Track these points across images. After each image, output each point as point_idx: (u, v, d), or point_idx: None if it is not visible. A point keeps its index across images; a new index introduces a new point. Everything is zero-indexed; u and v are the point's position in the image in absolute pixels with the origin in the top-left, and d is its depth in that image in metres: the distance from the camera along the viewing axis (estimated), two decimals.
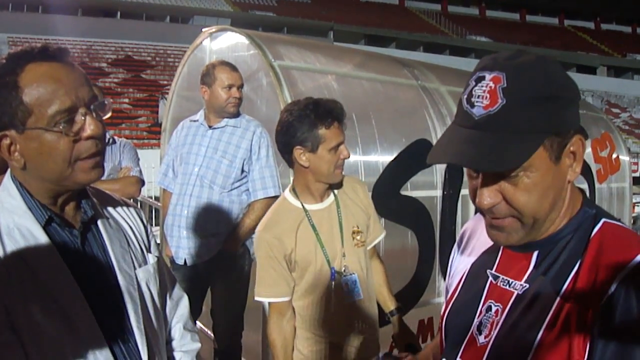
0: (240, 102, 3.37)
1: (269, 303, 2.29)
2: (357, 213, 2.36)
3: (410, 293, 3.61)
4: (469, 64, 34.54)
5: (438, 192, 3.75)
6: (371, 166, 3.41)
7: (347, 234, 2.30)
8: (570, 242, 1.07)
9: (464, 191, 3.90)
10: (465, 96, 1.01)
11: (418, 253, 3.63)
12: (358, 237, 2.32)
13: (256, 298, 2.30)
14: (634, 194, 6.61)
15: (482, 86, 0.99)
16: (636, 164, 22.45)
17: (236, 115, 3.39)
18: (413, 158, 3.58)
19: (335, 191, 2.35)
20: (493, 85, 0.97)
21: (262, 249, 2.24)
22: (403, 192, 3.55)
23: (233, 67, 3.37)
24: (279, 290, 2.24)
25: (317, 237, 2.25)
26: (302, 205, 2.27)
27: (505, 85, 0.97)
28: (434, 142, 3.72)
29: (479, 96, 0.99)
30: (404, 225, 3.55)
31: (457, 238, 1.40)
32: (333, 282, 2.25)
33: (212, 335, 3.59)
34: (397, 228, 3.52)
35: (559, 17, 56.37)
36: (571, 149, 1.03)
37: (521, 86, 0.97)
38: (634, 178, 6.18)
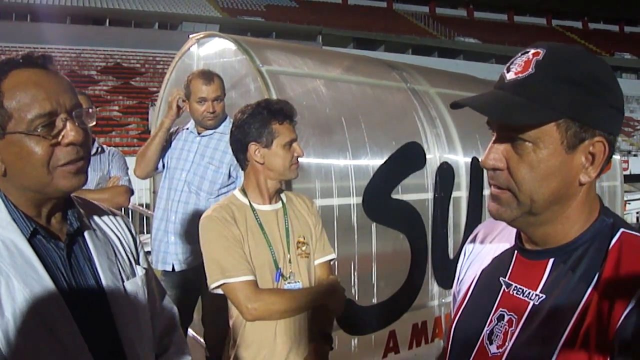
0: (219, 114, 3.36)
1: (236, 283, 2.07)
2: (303, 225, 2.32)
3: (403, 297, 3.59)
4: (457, 65, 34.81)
5: (429, 195, 3.73)
6: (361, 170, 3.39)
7: (293, 242, 2.25)
8: (587, 252, 1.05)
9: (456, 194, 3.90)
10: (508, 64, 1.08)
11: (410, 256, 3.62)
12: (303, 248, 2.27)
13: (221, 281, 2.08)
14: (625, 192, 6.63)
15: (522, 57, 1.06)
16: (627, 162, 22.56)
17: (220, 123, 3.40)
18: (403, 161, 3.57)
19: (284, 199, 2.33)
20: (531, 57, 1.04)
21: (215, 228, 2.12)
22: (394, 196, 3.53)
23: (208, 79, 3.31)
24: (247, 267, 2.08)
25: (264, 235, 2.19)
26: (250, 203, 2.24)
27: (541, 59, 1.02)
28: (424, 144, 3.73)
29: (515, 64, 1.06)
30: (396, 229, 3.54)
31: (467, 242, 1.38)
32: (276, 285, 2.18)
33: (203, 343, 3.57)
34: (389, 232, 3.50)
35: (547, 17, 56.71)
36: (590, 148, 1.02)
37: (554, 63, 1.02)
38: (624, 176, 6.18)
